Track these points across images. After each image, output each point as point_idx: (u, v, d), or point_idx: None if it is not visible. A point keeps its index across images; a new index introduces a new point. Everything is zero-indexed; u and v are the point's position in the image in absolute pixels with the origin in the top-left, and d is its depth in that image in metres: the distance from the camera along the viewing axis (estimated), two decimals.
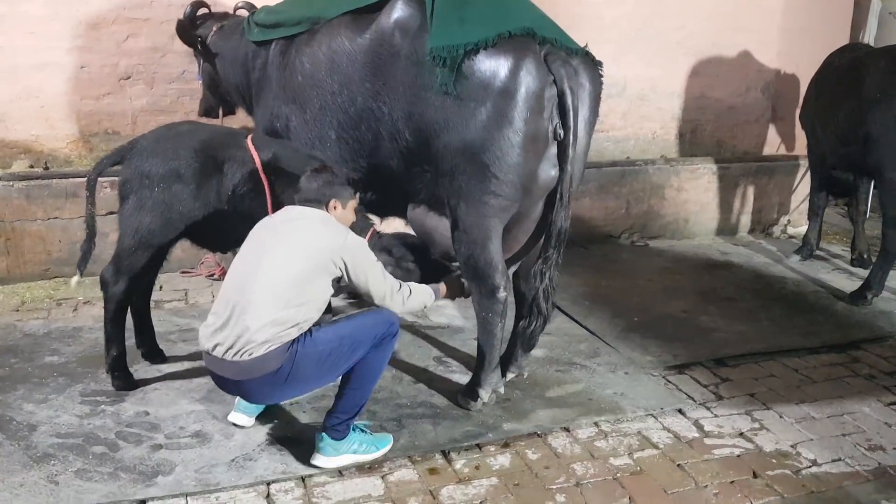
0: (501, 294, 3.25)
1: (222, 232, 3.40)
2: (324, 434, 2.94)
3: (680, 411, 3.48)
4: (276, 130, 3.69)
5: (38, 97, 4.83)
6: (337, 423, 2.92)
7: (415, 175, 3.32)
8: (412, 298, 3.02)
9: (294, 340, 2.74)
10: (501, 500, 2.82)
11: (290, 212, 2.92)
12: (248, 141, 3.36)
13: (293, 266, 2.74)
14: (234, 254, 4.68)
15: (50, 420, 3.19)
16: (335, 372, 2.85)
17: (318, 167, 2.99)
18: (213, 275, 4.91)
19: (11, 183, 4.55)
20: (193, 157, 3.26)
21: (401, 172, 3.36)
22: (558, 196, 3.15)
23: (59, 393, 3.41)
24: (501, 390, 3.48)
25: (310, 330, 2.79)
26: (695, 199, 6.33)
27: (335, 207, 2.92)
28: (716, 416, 3.47)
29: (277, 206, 3.28)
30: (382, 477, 2.93)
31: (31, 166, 4.83)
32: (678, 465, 3.07)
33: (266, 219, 2.96)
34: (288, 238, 2.79)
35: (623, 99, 6.31)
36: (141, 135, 3.46)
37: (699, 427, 3.36)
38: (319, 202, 2.90)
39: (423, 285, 3.14)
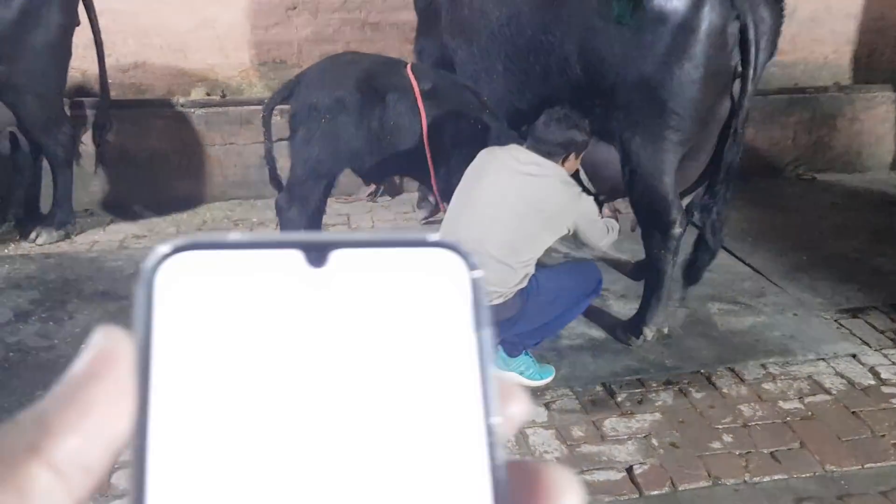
0: (676, 230, 3.20)
1: (381, 161, 3.50)
2: (499, 345, 3.05)
3: (854, 357, 3.36)
4: (442, 61, 3.72)
5: (213, 27, 5.07)
6: (516, 342, 3.03)
7: (585, 108, 3.27)
8: (612, 236, 3.13)
9: (524, 290, 2.86)
10: (666, 435, 2.85)
11: (524, 156, 2.89)
12: (409, 70, 3.41)
13: (530, 225, 2.83)
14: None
15: None
16: (548, 318, 2.96)
17: (557, 113, 2.94)
18: (370, 194, 5.07)
19: (192, 110, 4.86)
20: (356, 88, 3.34)
21: (570, 105, 3.31)
22: (732, 130, 3.07)
23: None
24: (666, 330, 3.46)
25: (534, 276, 2.89)
26: (870, 129, 5.90)
27: (569, 159, 2.93)
28: (894, 363, 3.32)
29: (433, 137, 3.33)
30: (546, 404, 3.02)
31: (208, 94, 5.12)
32: (853, 413, 2.99)
33: (498, 157, 2.93)
34: (531, 194, 2.83)
35: (793, 21, 5.81)
36: (307, 68, 3.59)
37: (875, 374, 3.24)
38: (556, 155, 2.90)
39: (611, 220, 3.21)
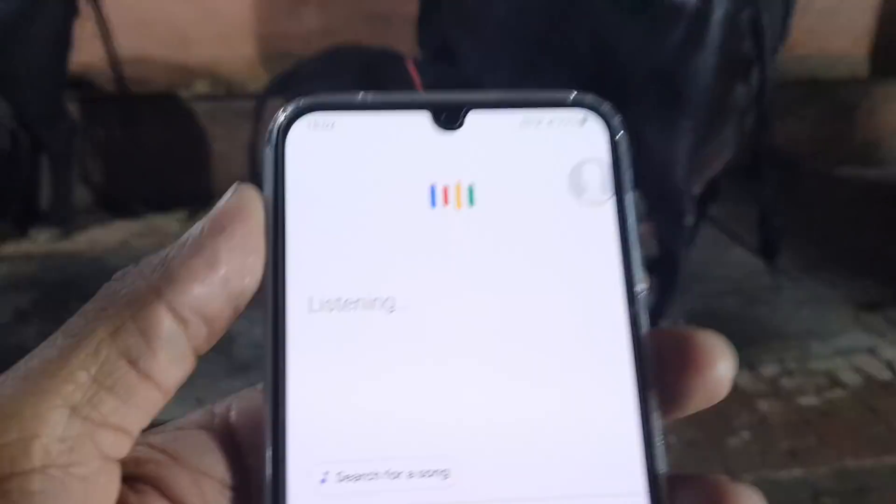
0: (688, 219, 3.16)
1: None
2: None
3: (871, 351, 3.29)
4: (443, 53, 3.65)
5: (218, 19, 5.01)
6: None
7: None
8: None
9: None
10: (685, 430, 2.78)
11: None
12: (410, 63, 3.35)
13: None
14: None
15: (247, 331, 3.41)
16: None
17: None
18: None
19: (196, 104, 4.80)
20: (355, 81, 3.29)
21: None
22: (761, 118, 3.05)
23: (252, 308, 3.63)
24: (682, 322, 3.40)
25: None
26: (887, 122, 5.80)
27: None
28: None
29: None
30: None
31: (212, 87, 5.07)
32: (870, 408, 2.93)
33: None
34: None
35: (809, 13, 5.74)
36: (304, 59, 3.52)
37: (893, 369, 3.17)
38: None
39: None
